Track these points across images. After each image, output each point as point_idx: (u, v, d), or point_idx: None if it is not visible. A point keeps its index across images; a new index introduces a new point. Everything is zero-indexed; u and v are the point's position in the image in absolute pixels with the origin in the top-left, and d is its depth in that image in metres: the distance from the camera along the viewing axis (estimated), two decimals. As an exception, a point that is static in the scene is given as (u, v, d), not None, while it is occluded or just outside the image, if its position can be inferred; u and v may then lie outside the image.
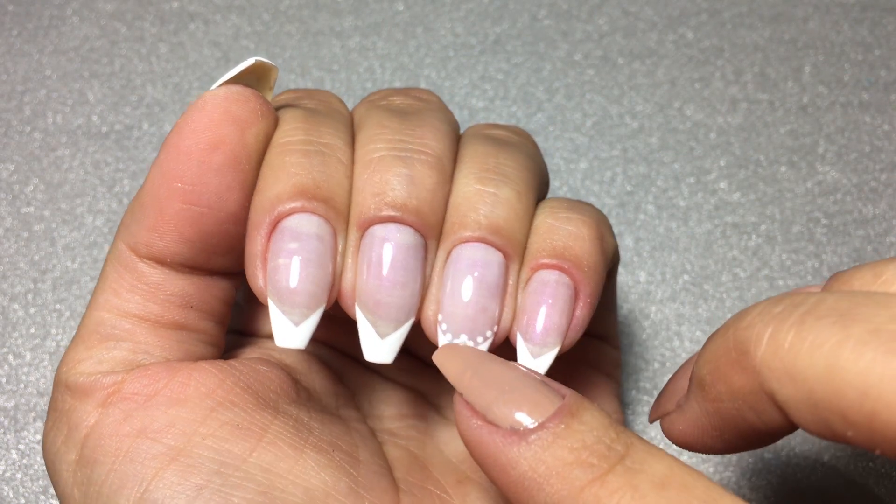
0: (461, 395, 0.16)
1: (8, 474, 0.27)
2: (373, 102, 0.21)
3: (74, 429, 0.18)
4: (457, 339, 0.18)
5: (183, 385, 0.18)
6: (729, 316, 0.30)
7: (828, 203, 0.32)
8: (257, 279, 0.18)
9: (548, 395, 0.16)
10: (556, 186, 0.32)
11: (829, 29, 0.36)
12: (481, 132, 0.21)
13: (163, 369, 0.18)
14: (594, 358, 0.23)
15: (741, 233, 0.31)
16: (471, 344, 0.18)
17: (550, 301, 0.18)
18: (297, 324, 0.17)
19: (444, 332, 0.18)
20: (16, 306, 0.30)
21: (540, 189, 0.21)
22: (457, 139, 0.20)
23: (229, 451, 0.18)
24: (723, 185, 0.32)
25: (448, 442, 0.22)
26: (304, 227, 0.18)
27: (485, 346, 0.18)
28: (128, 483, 0.17)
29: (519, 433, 0.15)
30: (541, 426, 0.15)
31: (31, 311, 0.30)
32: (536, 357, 0.18)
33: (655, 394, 0.29)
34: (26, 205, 0.31)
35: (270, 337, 0.22)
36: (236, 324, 0.23)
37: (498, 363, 0.17)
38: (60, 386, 0.19)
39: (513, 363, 0.17)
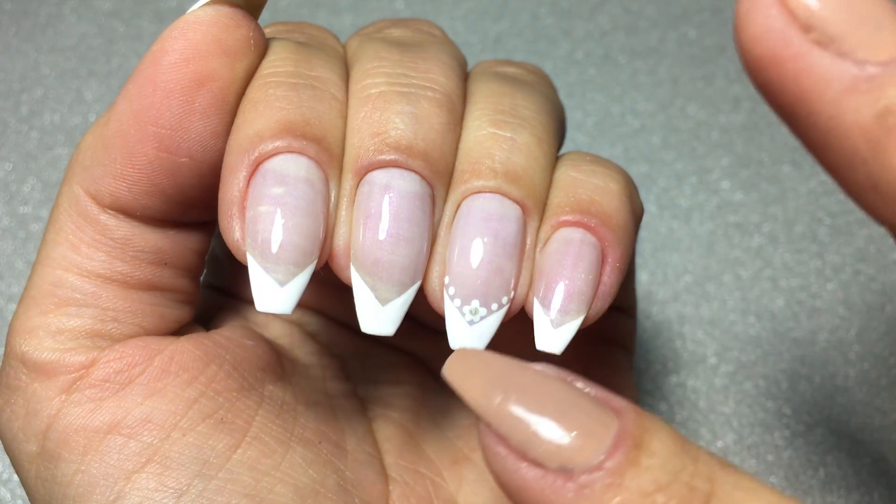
0: (490, 425, 0.12)
1: (5, 476, 0.27)
2: (368, 35, 0.18)
3: (33, 415, 0.16)
4: (467, 305, 0.16)
5: (162, 372, 0.16)
6: (731, 317, 0.30)
7: (831, 202, 0.32)
8: (233, 231, 0.15)
9: (600, 416, 0.12)
10: (557, 186, 0.32)
11: (832, 27, 0.36)
12: (492, 69, 0.18)
13: (139, 351, 0.16)
14: (610, 329, 0.21)
15: (743, 233, 0.31)
16: (483, 311, 0.16)
17: (573, 262, 0.16)
18: (282, 283, 0.15)
19: (452, 298, 0.16)
20: (13, 307, 0.29)
21: (559, 136, 0.18)
22: (465, 77, 0.18)
23: (212, 448, 0.16)
24: (725, 184, 0.32)
25: (446, 413, 0.21)
26: (291, 170, 0.15)
27: (499, 315, 0.16)
28: (97, 487, 0.16)
29: (574, 476, 0.12)
30: (599, 466, 0.11)
31: (29, 311, 0.29)
32: (557, 327, 0.16)
33: (658, 395, 0.29)
34: (23, 204, 0.31)
35: (252, 302, 0.19)
36: (215, 278, 0.21)
37: (530, 374, 0.13)
38: (14, 358, 0.16)
39: (548, 370, 0.13)
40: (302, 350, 0.20)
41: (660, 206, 0.32)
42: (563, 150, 0.20)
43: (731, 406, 0.28)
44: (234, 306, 0.20)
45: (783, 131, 0.33)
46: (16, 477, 0.27)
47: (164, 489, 0.16)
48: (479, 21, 0.36)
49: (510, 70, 0.19)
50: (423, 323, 0.21)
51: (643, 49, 0.35)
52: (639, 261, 0.31)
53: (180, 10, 0.36)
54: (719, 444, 0.27)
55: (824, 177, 0.32)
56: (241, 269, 0.20)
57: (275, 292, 0.15)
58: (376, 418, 0.20)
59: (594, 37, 0.36)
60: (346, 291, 0.16)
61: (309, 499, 0.17)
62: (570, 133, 0.33)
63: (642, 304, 0.30)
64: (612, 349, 0.22)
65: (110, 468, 0.16)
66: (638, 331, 0.29)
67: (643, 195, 0.32)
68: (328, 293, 0.21)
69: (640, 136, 0.33)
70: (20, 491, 0.27)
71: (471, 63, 0.20)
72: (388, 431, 0.20)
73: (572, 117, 0.34)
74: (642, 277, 0.30)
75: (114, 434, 0.16)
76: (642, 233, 0.31)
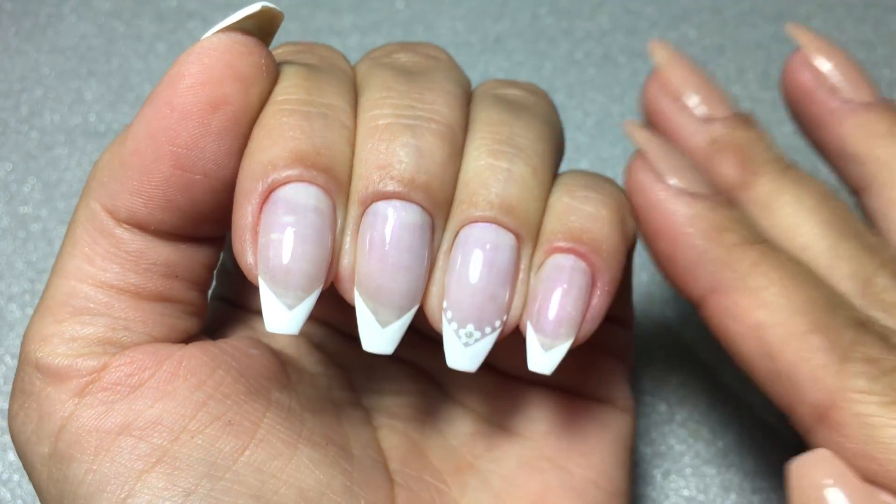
0: (646, 154, 0.20)
1: (5, 476, 0.27)
2: (376, 59, 0.19)
3: (47, 418, 0.17)
4: (463, 328, 0.17)
5: (171, 375, 0.17)
6: (731, 316, 0.30)
7: (831, 203, 0.32)
8: (246, 255, 0.16)
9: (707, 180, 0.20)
10: (558, 186, 0.32)
11: (832, 27, 0.36)
12: (494, 92, 0.19)
13: (148, 356, 0.17)
14: (606, 341, 0.22)
15: (744, 233, 0.31)
16: (477, 335, 0.17)
17: (564, 288, 0.17)
18: (290, 307, 0.16)
19: (450, 321, 0.17)
20: (13, 307, 0.29)
21: (557, 159, 0.19)
22: (468, 101, 0.19)
23: (220, 450, 0.17)
24: (725, 184, 0.32)
25: (450, 422, 0.21)
26: (302, 199, 0.16)
27: (492, 337, 0.17)
28: (108, 486, 0.16)
29: (691, 193, 0.19)
30: (708, 195, 0.19)
31: (28, 311, 0.29)
32: (548, 350, 0.17)
33: (658, 395, 0.29)
34: (23, 204, 0.31)
35: (259, 313, 0.20)
36: (224, 290, 0.22)
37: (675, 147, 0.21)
38: (28, 365, 0.17)
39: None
40: (308, 360, 0.21)
41: (660, 206, 0.32)
42: (563, 150, 0.20)
43: (731, 406, 0.28)
44: (242, 317, 0.21)
45: (783, 131, 0.33)
46: (16, 477, 0.27)
47: (173, 489, 0.16)
48: (479, 21, 0.36)
49: (511, 92, 0.20)
50: (426, 334, 0.21)
51: (643, 49, 0.35)
52: (639, 261, 0.31)
53: (180, 11, 0.36)
54: (719, 444, 0.27)
55: (824, 177, 0.32)
56: (249, 281, 0.21)
57: (283, 315, 0.16)
58: (381, 428, 0.20)
59: (594, 37, 0.36)
60: (350, 305, 0.17)
61: (313, 501, 0.17)
62: (570, 133, 0.33)
63: (642, 305, 0.30)
64: (608, 359, 0.22)
65: (121, 468, 0.16)
66: (638, 331, 0.29)
67: (643, 195, 0.32)
68: (334, 306, 0.21)
69: (640, 136, 0.33)
70: (20, 491, 0.27)
71: (471, 64, 0.20)
72: (393, 440, 0.20)
73: (572, 117, 0.34)
74: (642, 277, 0.30)
75: (125, 435, 0.16)
76: (642, 233, 0.31)
